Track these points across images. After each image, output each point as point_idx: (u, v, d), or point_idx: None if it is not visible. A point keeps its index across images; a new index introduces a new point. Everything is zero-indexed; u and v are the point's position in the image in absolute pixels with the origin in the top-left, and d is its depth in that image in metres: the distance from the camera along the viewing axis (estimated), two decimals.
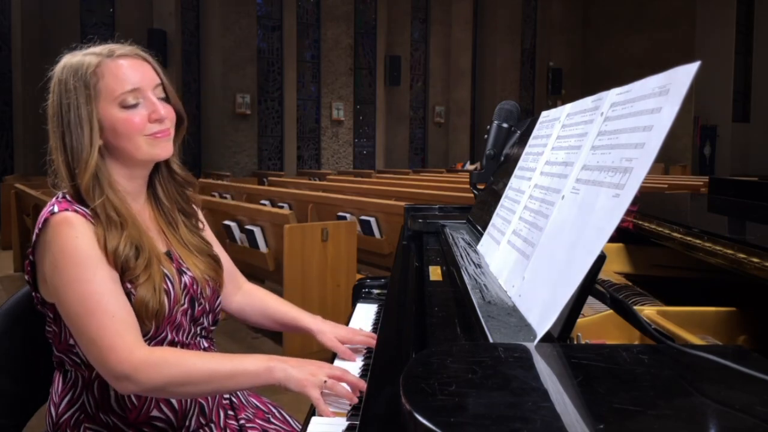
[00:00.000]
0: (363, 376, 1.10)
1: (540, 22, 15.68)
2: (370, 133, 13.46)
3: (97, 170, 1.06)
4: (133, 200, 1.14)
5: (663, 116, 0.60)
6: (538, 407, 0.44)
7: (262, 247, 3.88)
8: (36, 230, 1.04)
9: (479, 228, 1.23)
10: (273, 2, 11.84)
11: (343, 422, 0.95)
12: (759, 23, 15.24)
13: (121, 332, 0.98)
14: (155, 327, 1.07)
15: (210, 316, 1.19)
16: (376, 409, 0.76)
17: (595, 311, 0.86)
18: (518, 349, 0.57)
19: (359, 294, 1.58)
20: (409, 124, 14.07)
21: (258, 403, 1.29)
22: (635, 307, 0.82)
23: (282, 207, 4.90)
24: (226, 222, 4.23)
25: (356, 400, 0.98)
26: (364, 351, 1.22)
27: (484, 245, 1.09)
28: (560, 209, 0.76)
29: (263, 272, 3.93)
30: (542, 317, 0.64)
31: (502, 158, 1.56)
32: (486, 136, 1.65)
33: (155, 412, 1.10)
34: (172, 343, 1.11)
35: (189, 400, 1.12)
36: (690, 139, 13.92)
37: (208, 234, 1.28)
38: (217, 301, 1.21)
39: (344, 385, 1.00)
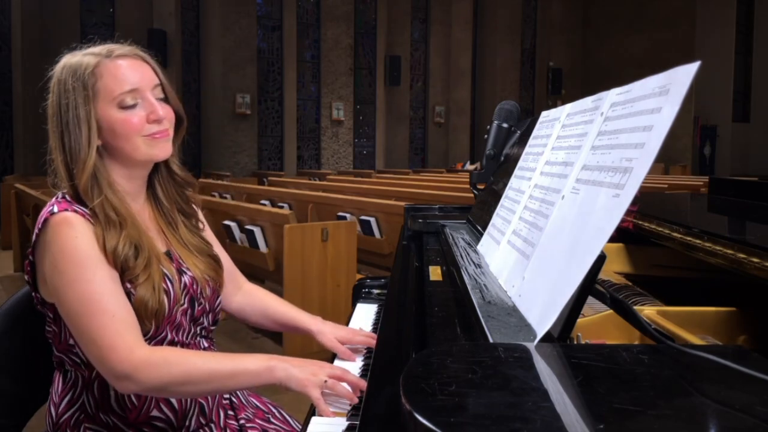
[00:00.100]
0: (363, 376, 1.10)
1: (540, 22, 15.68)
2: (370, 133, 13.46)
3: (95, 170, 1.06)
4: (132, 200, 1.14)
5: (663, 116, 0.60)
6: (538, 407, 0.44)
7: (262, 247, 3.88)
8: (36, 230, 1.04)
9: (479, 228, 1.23)
10: (273, 2, 11.84)
11: (343, 422, 0.95)
12: (759, 23, 15.24)
13: (121, 332, 0.98)
14: (155, 327, 1.07)
15: (210, 316, 1.19)
16: (376, 409, 0.76)
17: (595, 311, 0.86)
18: (518, 349, 0.57)
19: (359, 294, 1.58)
20: (409, 124, 14.07)
21: (258, 403, 1.29)
22: (635, 307, 0.82)
23: (282, 207, 4.90)
24: (226, 222, 4.23)
25: (357, 400, 0.98)
26: (364, 351, 1.22)
27: (484, 245, 1.09)
28: (560, 209, 0.76)
29: (263, 272, 3.93)
30: (542, 317, 0.64)
31: (502, 158, 1.56)
32: (486, 136, 1.65)
33: (155, 412, 1.10)
34: (172, 343, 1.11)
35: (189, 400, 1.12)
36: (690, 139, 13.92)
37: (209, 234, 1.28)
38: (217, 301, 1.21)
39: (345, 385, 1.00)
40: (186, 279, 1.14)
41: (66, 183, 1.06)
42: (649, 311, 0.86)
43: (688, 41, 13.53)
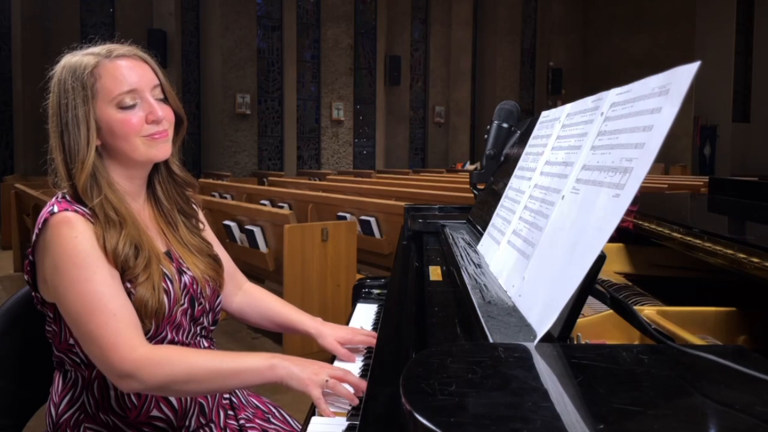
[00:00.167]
0: (363, 376, 1.10)
1: (540, 22, 15.68)
2: (370, 133, 13.46)
3: (94, 170, 1.06)
4: (132, 200, 1.14)
5: (663, 116, 0.60)
6: (538, 407, 0.44)
7: (262, 247, 3.88)
8: (36, 230, 1.04)
9: (479, 228, 1.23)
10: (273, 2, 11.84)
11: (343, 422, 0.95)
12: (759, 23, 15.24)
13: (123, 330, 0.98)
14: (155, 326, 1.07)
15: (210, 316, 1.20)
16: (376, 409, 0.76)
17: (595, 311, 0.86)
18: (518, 349, 0.57)
19: (359, 294, 1.58)
20: (409, 124, 14.07)
21: (258, 403, 1.30)
22: (635, 307, 0.82)
23: (282, 207, 4.90)
24: (226, 222, 4.23)
25: (357, 401, 0.98)
26: (364, 351, 1.22)
27: (484, 245, 1.09)
28: (560, 209, 0.76)
29: (263, 272, 3.93)
30: (542, 317, 0.64)
31: (502, 158, 1.56)
32: (486, 136, 1.65)
33: (155, 412, 1.10)
34: (172, 343, 1.11)
35: (189, 400, 1.12)
36: (690, 139, 13.92)
37: (209, 234, 1.28)
38: (217, 301, 1.21)
39: (346, 385, 1.00)
40: (186, 279, 1.14)
41: (66, 182, 1.06)
42: (649, 311, 0.86)
43: (688, 41, 13.53)
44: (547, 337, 0.61)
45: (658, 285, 1.09)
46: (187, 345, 1.14)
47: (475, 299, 0.79)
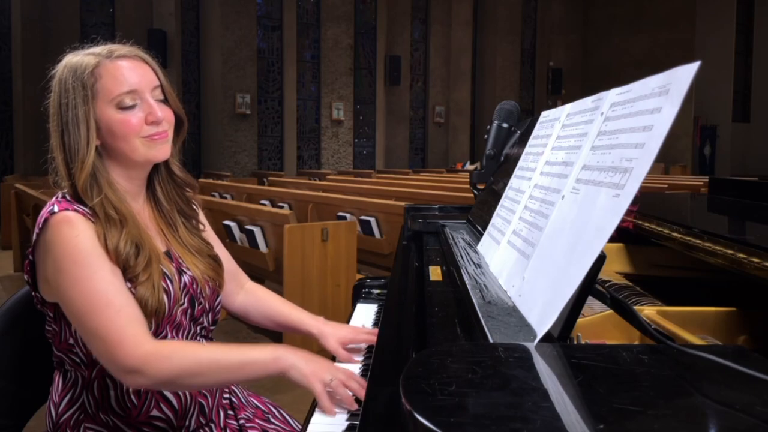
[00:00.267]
0: (363, 375, 1.09)
1: (540, 22, 15.68)
2: (370, 133, 13.46)
3: (94, 169, 1.06)
4: (132, 200, 1.14)
5: (663, 116, 0.60)
6: (538, 407, 0.44)
7: (262, 247, 3.88)
8: (36, 230, 1.04)
9: (479, 228, 1.23)
10: (273, 2, 11.84)
11: (343, 422, 0.95)
12: (759, 23, 15.24)
13: (127, 326, 0.98)
14: (155, 326, 1.07)
15: (210, 316, 1.20)
16: (376, 409, 0.76)
17: (595, 311, 0.86)
18: (518, 349, 0.57)
19: (359, 294, 1.58)
20: (409, 124, 14.07)
21: (258, 403, 1.30)
22: (635, 307, 0.82)
23: (282, 207, 4.90)
24: (226, 222, 4.23)
25: (356, 407, 0.98)
26: (365, 351, 1.22)
27: (484, 245, 1.09)
28: (560, 209, 0.76)
29: (263, 272, 3.93)
30: (542, 317, 0.64)
31: (502, 158, 1.56)
32: (486, 136, 1.65)
33: (155, 412, 1.10)
34: None
35: (189, 400, 1.12)
36: (690, 139, 13.92)
37: (210, 235, 1.28)
38: (217, 301, 1.21)
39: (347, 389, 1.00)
40: (186, 278, 1.14)
41: (66, 181, 1.07)
42: (649, 311, 0.86)
43: (688, 41, 13.53)
44: (547, 337, 0.61)
45: (658, 285, 1.09)
46: None
47: (475, 299, 0.79)
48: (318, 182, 8.17)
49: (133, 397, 1.08)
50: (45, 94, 1.10)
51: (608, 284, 1.06)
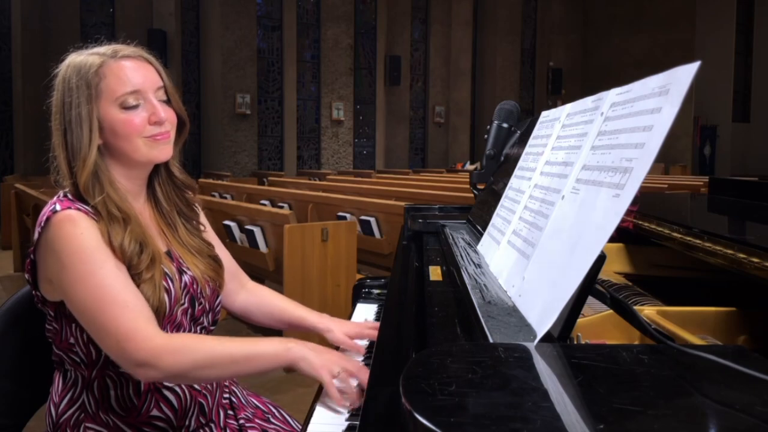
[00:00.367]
0: None
1: (540, 22, 15.68)
2: (370, 133, 13.46)
3: (96, 168, 1.06)
4: (133, 199, 1.14)
5: (663, 116, 0.60)
6: (538, 407, 0.44)
7: (262, 247, 3.88)
8: (38, 229, 1.04)
9: (479, 228, 1.23)
10: (273, 2, 11.84)
11: (343, 422, 0.95)
12: (759, 23, 15.25)
13: (136, 320, 0.99)
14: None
15: (210, 316, 1.20)
16: (376, 409, 0.76)
17: (595, 311, 0.86)
18: (518, 349, 0.57)
19: (359, 294, 1.58)
20: (409, 124, 14.07)
21: (258, 403, 1.30)
22: (635, 307, 0.82)
23: (282, 207, 4.90)
24: (226, 222, 4.23)
25: (359, 403, 0.98)
26: (365, 351, 1.22)
27: (484, 245, 1.09)
28: (560, 209, 0.76)
29: (263, 272, 3.93)
30: (542, 317, 0.64)
31: (502, 158, 1.56)
32: (486, 136, 1.65)
33: (155, 412, 1.10)
34: None
35: (189, 400, 1.13)
36: (690, 139, 13.93)
37: (211, 235, 1.28)
38: (217, 301, 1.21)
39: (354, 382, 1.00)
40: (186, 278, 1.14)
41: (68, 180, 1.07)
42: (649, 311, 0.86)
43: (688, 41, 13.53)
44: (547, 337, 0.61)
45: (658, 285, 1.09)
46: None
47: (475, 299, 0.79)
48: (318, 182, 8.17)
49: (133, 397, 1.08)
50: (48, 93, 1.11)
51: (608, 284, 1.06)
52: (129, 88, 1.06)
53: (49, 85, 1.10)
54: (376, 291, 1.57)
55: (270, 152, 12.11)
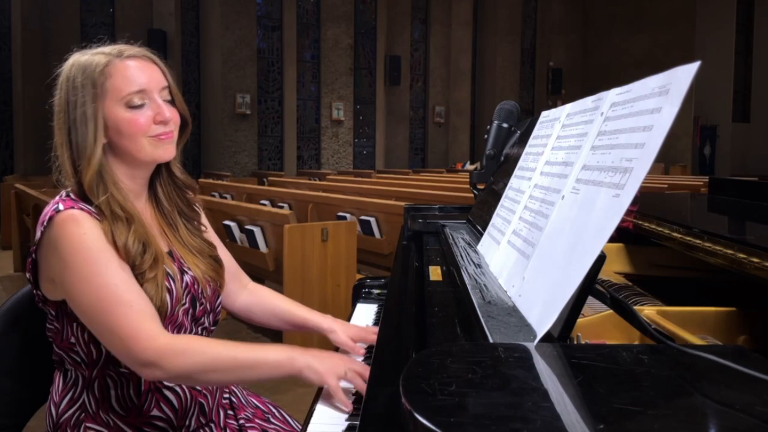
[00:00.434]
0: None
1: (540, 22, 15.68)
2: (370, 133, 13.46)
3: (100, 167, 1.06)
4: (135, 199, 1.14)
5: (663, 116, 0.60)
6: (538, 407, 0.44)
7: (262, 247, 3.88)
8: (40, 228, 1.04)
9: (479, 228, 1.23)
10: (273, 2, 11.84)
11: (343, 422, 0.95)
12: (759, 23, 15.24)
13: (141, 320, 0.99)
14: None
15: (211, 317, 1.20)
16: (376, 409, 0.76)
17: (595, 311, 0.86)
18: (518, 349, 0.57)
19: (359, 294, 1.58)
20: (409, 124, 14.07)
21: (258, 403, 1.30)
22: (635, 307, 0.82)
23: (282, 207, 4.90)
24: (226, 222, 4.23)
25: None
26: (365, 351, 1.22)
27: (484, 245, 1.09)
28: (560, 209, 0.76)
29: (263, 272, 3.93)
30: (542, 317, 0.64)
31: (502, 158, 1.56)
32: (486, 136, 1.65)
33: (156, 412, 1.10)
34: None
35: (189, 400, 1.13)
36: (690, 139, 13.92)
37: (212, 236, 1.28)
38: (218, 302, 1.21)
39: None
40: (187, 278, 1.14)
41: (72, 179, 1.07)
42: (649, 311, 0.86)
43: (688, 41, 13.53)
44: (547, 337, 0.61)
45: (658, 285, 1.09)
46: None
47: (475, 299, 0.79)
48: (318, 182, 8.17)
49: (134, 397, 1.09)
50: (51, 92, 1.10)
51: (608, 284, 1.06)
52: (135, 88, 1.07)
53: (51, 85, 1.10)
54: (376, 291, 1.57)
55: (270, 152, 12.10)
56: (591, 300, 0.88)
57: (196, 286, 1.15)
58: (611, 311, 0.83)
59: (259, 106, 11.70)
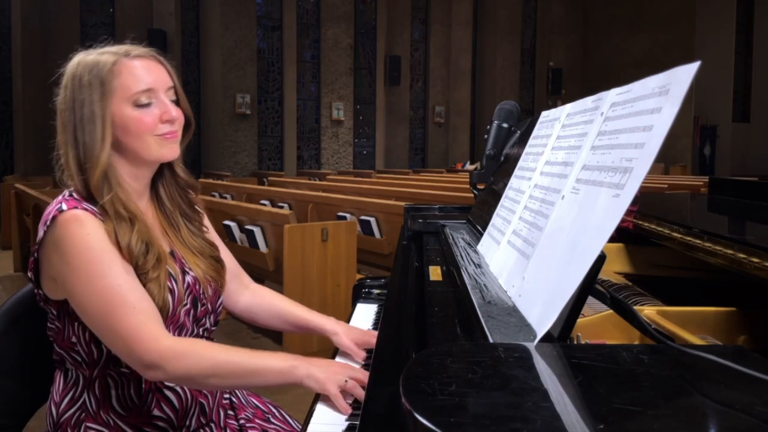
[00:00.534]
0: None
1: (540, 22, 15.68)
2: (370, 133, 13.46)
3: (107, 166, 1.06)
4: (137, 199, 1.14)
5: (663, 116, 0.60)
6: (538, 407, 0.44)
7: (262, 247, 3.88)
8: (42, 227, 1.04)
9: (479, 228, 1.23)
10: (273, 2, 11.84)
11: (343, 422, 0.95)
12: (759, 23, 15.24)
13: (144, 322, 0.99)
14: None
15: (212, 317, 1.20)
16: (376, 409, 0.76)
17: (595, 311, 0.86)
18: (518, 349, 0.57)
19: (359, 294, 1.58)
20: (409, 124, 14.06)
21: (258, 403, 1.30)
22: (635, 307, 0.82)
23: (282, 207, 4.90)
24: (226, 222, 4.23)
25: None
26: (365, 356, 1.23)
27: (484, 245, 1.09)
28: (560, 209, 0.76)
29: (263, 272, 3.93)
30: (542, 317, 0.64)
31: (502, 158, 1.56)
32: (486, 136, 1.65)
33: (156, 412, 1.10)
34: None
35: (190, 400, 1.13)
36: (690, 139, 13.92)
37: (213, 236, 1.28)
38: (219, 302, 1.21)
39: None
40: (189, 279, 1.14)
41: (77, 178, 1.06)
42: (649, 311, 0.86)
43: (688, 41, 13.53)
44: (547, 337, 0.61)
45: (658, 285, 1.09)
46: None
47: (475, 299, 0.79)
48: (318, 182, 8.17)
49: (134, 397, 1.09)
50: (51, 92, 1.10)
51: (608, 284, 1.06)
52: (143, 86, 1.07)
53: (54, 84, 1.10)
54: (376, 291, 1.57)
55: (270, 152, 12.10)
56: (591, 300, 0.88)
57: (197, 287, 1.15)
58: (611, 311, 0.83)
59: (259, 106, 11.70)
